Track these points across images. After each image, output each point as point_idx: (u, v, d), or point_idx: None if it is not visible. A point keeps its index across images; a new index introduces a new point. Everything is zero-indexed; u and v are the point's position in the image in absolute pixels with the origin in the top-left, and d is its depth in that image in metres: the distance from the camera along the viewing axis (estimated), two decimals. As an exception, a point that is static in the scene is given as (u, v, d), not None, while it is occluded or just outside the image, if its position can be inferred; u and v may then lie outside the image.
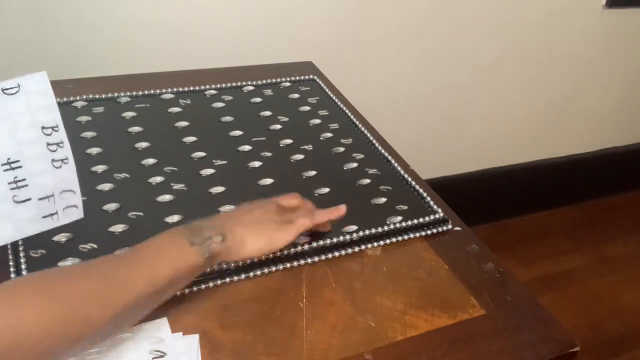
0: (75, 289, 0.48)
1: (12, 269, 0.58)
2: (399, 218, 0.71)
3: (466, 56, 1.46)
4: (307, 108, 0.92)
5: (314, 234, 0.67)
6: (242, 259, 0.61)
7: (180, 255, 0.54)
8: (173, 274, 0.53)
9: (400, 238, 0.69)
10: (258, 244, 0.61)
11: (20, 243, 0.60)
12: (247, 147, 0.81)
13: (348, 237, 0.67)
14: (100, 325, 0.49)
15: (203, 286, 0.60)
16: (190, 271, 0.55)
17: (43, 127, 0.58)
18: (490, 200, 1.79)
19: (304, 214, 0.65)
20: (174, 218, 0.67)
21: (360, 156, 0.83)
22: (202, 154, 0.78)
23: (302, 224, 0.64)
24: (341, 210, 0.68)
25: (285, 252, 0.64)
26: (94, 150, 0.76)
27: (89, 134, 0.78)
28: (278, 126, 0.87)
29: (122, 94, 0.87)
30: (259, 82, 0.96)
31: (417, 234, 0.70)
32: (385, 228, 0.69)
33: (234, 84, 0.94)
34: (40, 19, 1.01)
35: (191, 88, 0.91)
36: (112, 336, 0.53)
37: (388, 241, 0.68)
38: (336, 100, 0.94)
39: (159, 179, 0.73)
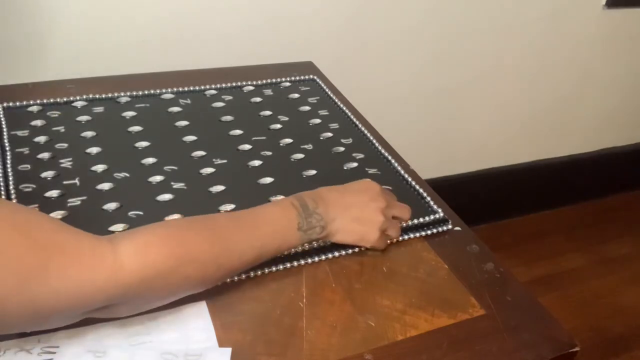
0: (197, 250, 0.52)
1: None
2: (399, 218, 0.71)
3: (466, 56, 1.46)
4: (307, 108, 0.92)
5: None
6: (331, 241, 0.64)
7: (286, 236, 0.59)
8: (276, 251, 0.59)
9: (400, 238, 0.69)
10: (350, 237, 0.64)
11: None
12: (247, 147, 0.81)
13: (348, 237, 0.67)
14: (212, 281, 0.55)
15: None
16: (288, 248, 0.60)
17: None
18: (490, 200, 1.79)
19: (394, 231, 0.67)
20: (174, 217, 0.67)
21: (360, 156, 0.83)
22: (202, 153, 0.78)
23: (393, 235, 0.67)
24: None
25: (286, 252, 0.64)
26: (94, 150, 0.76)
27: (89, 134, 0.78)
28: (278, 126, 0.87)
29: (122, 94, 0.87)
30: (259, 82, 0.96)
31: (417, 234, 0.70)
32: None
33: (234, 84, 0.94)
34: (40, 19, 1.01)
35: (191, 88, 0.91)
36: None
37: (388, 241, 0.68)
38: (336, 100, 0.94)
39: (159, 178, 0.73)
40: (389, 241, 0.68)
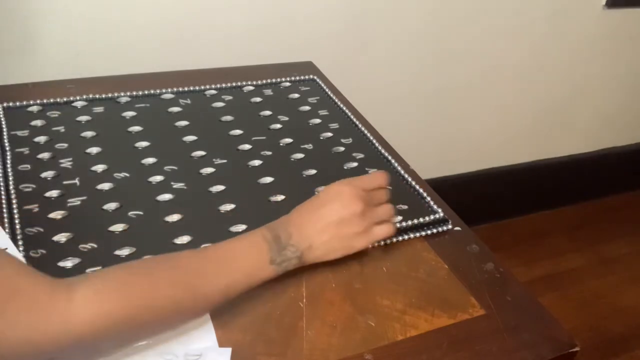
0: (156, 296, 0.49)
1: (12, 269, 0.58)
2: (399, 218, 0.71)
3: (466, 56, 1.46)
4: (307, 108, 0.92)
5: None
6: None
7: (258, 272, 0.56)
8: (245, 288, 0.55)
9: (400, 238, 0.69)
10: (332, 257, 0.61)
11: (20, 243, 0.60)
12: (247, 146, 0.81)
13: (348, 237, 0.67)
14: (171, 326, 0.53)
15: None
16: (260, 283, 0.57)
17: None
18: (490, 200, 1.79)
19: (386, 214, 0.64)
20: (174, 217, 0.67)
21: (360, 156, 0.83)
22: (202, 153, 0.78)
23: (377, 236, 0.63)
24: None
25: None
26: (94, 150, 0.76)
27: (89, 134, 0.78)
28: (278, 125, 0.87)
29: (122, 94, 0.87)
30: (259, 82, 0.96)
31: (417, 234, 0.70)
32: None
33: (234, 84, 0.94)
34: (40, 19, 1.01)
35: (191, 88, 0.91)
36: None
37: (388, 241, 0.68)
38: (336, 100, 0.94)
39: (159, 178, 0.73)
40: (382, 242, 0.67)
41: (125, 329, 0.48)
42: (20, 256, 0.59)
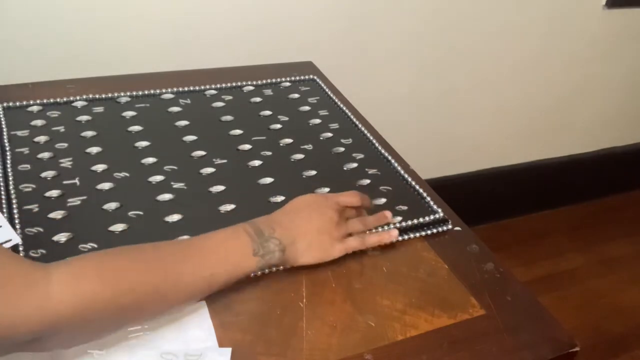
0: (136, 280, 0.49)
1: (12, 269, 0.58)
2: (399, 218, 0.71)
3: (466, 56, 1.46)
4: (307, 108, 0.92)
5: None
6: (292, 266, 0.62)
7: (240, 262, 0.56)
8: (228, 279, 0.56)
9: (400, 238, 0.69)
10: (313, 258, 0.62)
11: (20, 243, 0.60)
12: (247, 146, 0.81)
13: (348, 237, 0.67)
14: (153, 313, 0.53)
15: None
16: (243, 276, 0.58)
17: None
18: (490, 200, 1.79)
19: (357, 226, 0.65)
20: (174, 217, 0.67)
21: (360, 156, 0.83)
22: (202, 152, 0.78)
23: (351, 246, 0.64)
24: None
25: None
26: (94, 150, 0.76)
27: (89, 134, 0.78)
28: (278, 126, 0.87)
29: (122, 94, 0.87)
30: (259, 82, 0.96)
31: (417, 234, 0.70)
32: (386, 228, 0.69)
33: (234, 84, 0.94)
34: (40, 19, 1.01)
35: (191, 88, 0.91)
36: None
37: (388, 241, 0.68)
38: (336, 100, 0.94)
39: (159, 178, 0.73)
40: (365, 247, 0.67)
41: (103, 312, 0.47)
42: (15, 235, 0.60)
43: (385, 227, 0.69)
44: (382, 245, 0.68)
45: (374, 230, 0.68)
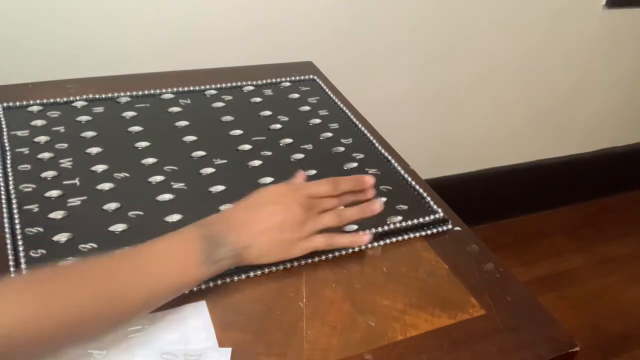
0: (70, 302, 0.46)
1: (12, 269, 0.58)
2: (399, 218, 0.71)
3: (466, 56, 1.46)
4: (307, 108, 0.92)
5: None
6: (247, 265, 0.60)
7: (186, 272, 0.52)
8: (174, 288, 0.52)
9: (400, 238, 0.69)
10: (271, 259, 0.59)
11: (20, 243, 0.60)
12: (247, 147, 0.81)
13: (348, 237, 0.67)
14: (93, 335, 0.49)
15: (203, 286, 0.60)
16: (193, 284, 0.55)
17: None
18: (490, 200, 1.79)
19: (332, 220, 0.61)
20: (174, 217, 0.67)
21: (360, 156, 0.83)
22: (202, 153, 0.78)
23: (314, 246, 0.61)
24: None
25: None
26: (94, 150, 0.76)
27: (89, 134, 0.78)
28: (278, 126, 0.87)
29: (122, 94, 0.87)
30: (259, 82, 0.96)
31: (417, 234, 0.70)
32: (385, 228, 0.69)
33: (234, 84, 0.94)
34: (40, 19, 1.01)
35: (191, 88, 0.91)
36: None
37: (388, 241, 0.68)
38: (336, 100, 0.94)
39: (159, 178, 0.73)
40: (382, 242, 0.67)
41: (26, 340, 0.44)
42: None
43: (385, 228, 0.69)
44: (382, 244, 0.68)
45: (368, 228, 0.67)
